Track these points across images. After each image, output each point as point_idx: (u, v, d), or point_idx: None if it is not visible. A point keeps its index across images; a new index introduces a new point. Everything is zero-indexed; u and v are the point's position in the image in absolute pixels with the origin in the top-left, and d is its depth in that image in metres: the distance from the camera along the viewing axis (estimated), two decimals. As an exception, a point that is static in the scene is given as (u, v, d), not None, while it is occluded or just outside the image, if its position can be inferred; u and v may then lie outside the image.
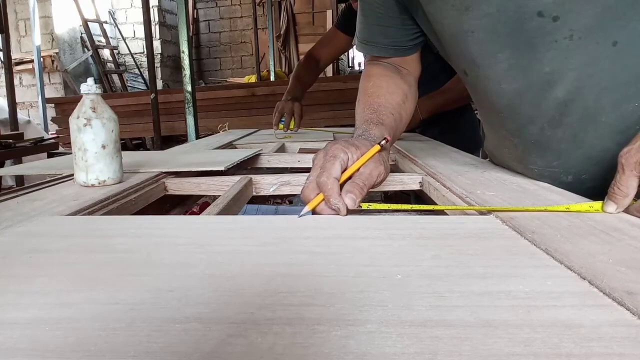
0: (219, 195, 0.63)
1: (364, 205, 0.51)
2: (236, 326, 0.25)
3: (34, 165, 0.91)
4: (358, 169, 0.53)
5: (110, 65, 5.92)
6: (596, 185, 0.59)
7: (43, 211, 0.52)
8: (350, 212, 0.49)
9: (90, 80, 0.63)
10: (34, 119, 4.45)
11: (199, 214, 0.59)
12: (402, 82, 0.75)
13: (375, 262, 0.35)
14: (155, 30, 6.10)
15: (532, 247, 0.38)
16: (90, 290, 0.30)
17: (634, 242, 0.38)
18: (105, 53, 5.91)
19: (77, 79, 5.43)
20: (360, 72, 4.81)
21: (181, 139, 4.19)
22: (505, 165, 0.74)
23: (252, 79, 5.56)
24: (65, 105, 4.12)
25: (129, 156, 0.87)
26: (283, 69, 6.00)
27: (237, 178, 0.71)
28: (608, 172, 0.47)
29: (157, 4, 6.12)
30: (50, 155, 2.65)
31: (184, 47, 2.04)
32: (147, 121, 3.70)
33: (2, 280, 0.32)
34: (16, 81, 4.74)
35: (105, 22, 5.89)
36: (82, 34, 5.63)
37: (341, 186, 0.51)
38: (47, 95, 4.83)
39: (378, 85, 0.73)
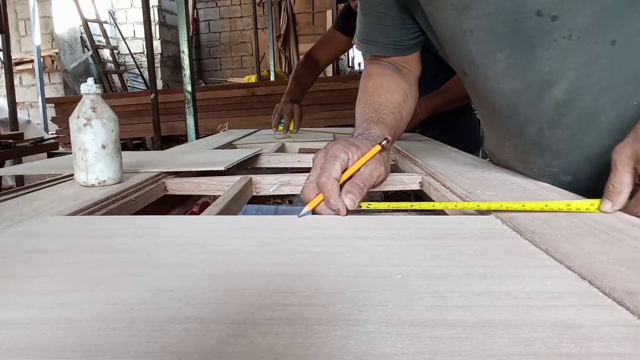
0: (219, 195, 0.63)
1: (364, 205, 0.51)
2: (236, 326, 0.25)
3: (34, 165, 0.91)
4: (358, 169, 0.53)
5: (110, 65, 5.92)
6: (595, 185, 0.59)
7: (43, 211, 0.52)
8: (350, 212, 0.49)
9: (90, 80, 0.63)
10: (34, 119, 4.45)
11: (199, 214, 0.59)
12: (402, 81, 0.76)
13: (375, 262, 0.35)
14: (155, 30, 6.10)
15: (532, 247, 0.38)
16: (90, 290, 0.30)
17: (634, 242, 0.38)
18: (105, 53, 5.91)
19: (77, 79, 5.42)
20: (360, 72, 4.81)
21: (181, 139, 4.19)
22: (506, 165, 0.74)
23: (252, 79, 5.56)
24: (65, 105, 4.12)
25: (129, 156, 0.87)
26: (283, 69, 6.00)
27: (237, 178, 0.71)
28: (607, 171, 0.47)
29: (157, 4, 6.12)
30: (50, 155, 2.65)
31: (184, 47, 2.04)
32: (147, 121, 3.70)
33: (2, 280, 0.32)
34: (16, 81, 4.74)
35: (105, 22, 5.89)
36: (82, 34, 5.63)
37: (341, 186, 0.51)
38: (47, 95, 4.83)
39: (378, 85, 0.73)
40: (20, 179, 2.60)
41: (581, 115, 0.57)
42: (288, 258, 0.36)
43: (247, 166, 1.00)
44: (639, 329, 0.24)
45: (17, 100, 3.06)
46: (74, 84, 5.41)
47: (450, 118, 1.48)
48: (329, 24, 5.62)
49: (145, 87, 5.82)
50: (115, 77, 5.86)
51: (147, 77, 3.86)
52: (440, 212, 0.59)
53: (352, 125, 0.77)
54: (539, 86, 0.58)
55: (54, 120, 4.22)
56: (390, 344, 0.23)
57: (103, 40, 5.79)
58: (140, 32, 5.91)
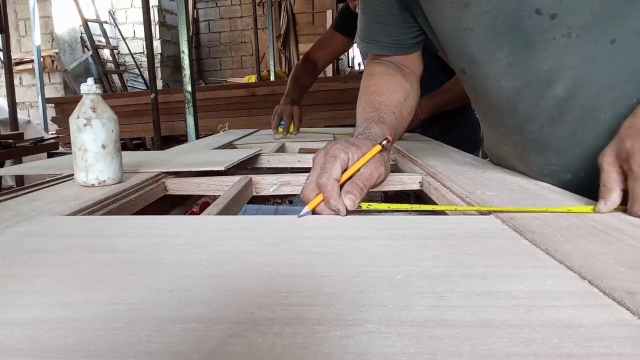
0: (219, 195, 0.63)
1: (364, 205, 0.51)
2: (236, 326, 0.25)
3: (34, 165, 0.91)
4: (358, 169, 0.53)
5: (110, 65, 5.92)
6: (595, 183, 0.59)
7: (43, 211, 0.52)
8: (350, 212, 0.49)
9: (90, 80, 0.63)
10: (34, 119, 4.45)
11: (199, 214, 0.59)
12: (403, 80, 0.75)
13: (375, 262, 0.35)
14: (155, 30, 6.10)
15: (532, 247, 0.38)
16: (90, 290, 0.30)
17: (634, 242, 0.38)
18: (105, 53, 5.91)
19: (77, 79, 5.42)
20: (360, 72, 4.81)
21: (181, 139, 4.19)
22: (505, 163, 0.74)
23: (252, 79, 5.56)
24: (65, 105, 4.12)
25: (129, 156, 0.87)
26: (283, 69, 6.00)
27: (237, 178, 0.71)
28: None
29: (157, 4, 6.12)
30: (50, 155, 2.65)
31: (184, 47, 2.04)
32: (147, 121, 3.70)
33: (2, 280, 0.32)
34: (16, 81, 4.74)
35: (105, 22, 5.89)
36: (82, 34, 5.63)
37: (341, 186, 0.51)
38: (47, 95, 4.83)
39: (379, 84, 0.73)
40: (20, 179, 2.60)
41: (581, 113, 0.57)
42: (288, 258, 0.36)
43: (247, 166, 1.00)
44: (639, 329, 0.24)
45: (17, 100, 3.06)
46: (74, 84, 5.41)
47: (450, 118, 1.48)
48: (329, 23, 5.61)
49: (145, 87, 5.82)
50: (115, 77, 5.87)
51: (147, 77, 3.86)
52: (440, 212, 0.59)
53: (352, 125, 0.77)
54: (539, 84, 0.58)
55: (54, 120, 4.22)
56: (390, 344, 0.23)
57: (103, 40, 5.79)
58: (140, 32, 5.91)
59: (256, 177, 0.74)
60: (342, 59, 6.16)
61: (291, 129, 1.45)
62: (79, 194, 0.60)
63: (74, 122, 0.62)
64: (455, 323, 0.25)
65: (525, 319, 0.26)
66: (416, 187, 0.74)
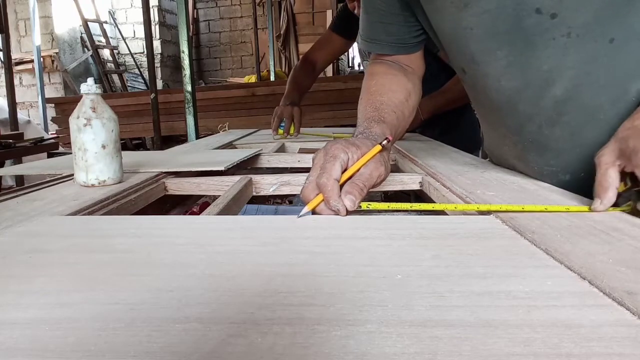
0: (219, 195, 0.63)
1: (364, 205, 0.51)
2: (236, 326, 0.25)
3: (34, 165, 0.91)
4: (358, 169, 0.53)
5: (110, 65, 5.92)
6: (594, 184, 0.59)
7: (43, 211, 0.52)
8: (350, 212, 0.49)
9: (90, 80, 0.63)
10: (34, 119, 4.45)
11: (199, 214, 0.59)
12: (405, 80, 0.75)
13: (375, 262, 0.35)
14: (155, 30, 6.10)
15: (532, 247, 0.38)
16: (90, 290, 0.30)
17: (634, 242, 0.38)
18: (105, 53, 5.91)
19: (77, 79, 5.42)
20: (360, 72, 4.81)
21: (181, 139, 4.19)
22: (505, 164, 0.74)
23: (252, 79, 5.56)
24: (65, 105, 4.12)
25: (129, 156, 0.87)
26: (283, 69, 6.00)
27: (237, 178, 0.71)
28: None
29: (157, 4, 6.12)
30: (50, 155, 2.65)
31: (184, 47, 2.04)
32: (147, 121, 3.69)
33: (2, 280, 0.32)
34: (16, 81, 4.74)
35: (105, 22, 5.89)
36: (82, 34, 5.62)
37: (341, 186, 0.51)
38: (47, 95, 4.83)
39: (381, 84, 0.73)
40: (20, 179, 2.60)
41: (580, 113, 0.57)
42: (288, 258, 0.36)
43: (247, 166, 1.00)
44: (639, 329, 0.24)
45: (17, 100, 3.06)
46: (74, 84, 5.41)
47: (450, 118, 1.48)
48: (329, 23, 5.61)
49: (145, 87, 5.81)
50: (115, 77, 5.86)
51: (147, 77, 3.86)
52: (440, 212, 0.59)
53: (352, 125, 0.77)
54: (539, 84, 0.58)
55: (54, 120, 4.22)
56: (390, 344, 0.23)
57: (103, 40, 5.79)
58: (140, 32, 5.91)
59: (256, 177, 0.74)
60: (342, 59, 6.15)
61: (291, 131, 1.45)
62: (79, 194, 0.60)
63: (74, 122, 0.62)
64: (455, 323, 0.25)
65: (525, 319, 0.26)
66: (416, 187, 0.74)
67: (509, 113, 0.63)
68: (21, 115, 3.42)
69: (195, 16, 6.86)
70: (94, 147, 0.62)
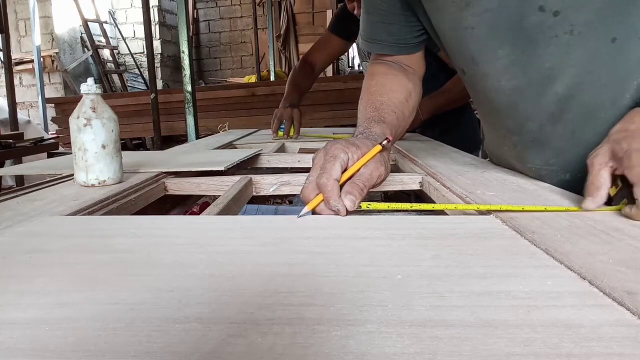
0: (219, 195, 0.63)
1: (364, 205, 0.51)
2: (236, 326, 0.25)
3: (34, 165, 0.91)
4: (358, 169, 0.53)
5: (110, 65, 5.92)
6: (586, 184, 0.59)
7: (43, 211, 0.52)
8: (350, 212, 0.49)
9: (90, 80, 0.63)
10: (34, 119, 4.45)
11: (199, 214, 0.59)
12: (405, 80, 0.75)
13: (375, 262, 0.35)
14: (155, 30, 6.10)
15: (532, 247, 0.38)
16: (90, 290, 0.30)
17: (634, 242, 0.38)
18: (105, 53, 5.91)
19: (77, 79, 5.42)
20: (360, 72, 4.81)
21: (181, 139, 4.18)
22: (505, 163, 0.74)
23: (252, 79, 5.56)
24: (65, 105, 4.12)
25: (129, 156, 0.87)
26: (283, 69, 6.00)
27: (237, 178, 0.71)
28: None
29: (157, 4, 6.12)
30: (50, 155, 2.65)
31: (184, 47, 2.04)
32: (147, 121, 3.69)
33: (2, 280, 0.32)
34: (16, 81, 4.74)
35: (105, 22, 5.89)
36: (82, 34, 5.62)
37: (341, 186, 0.51)
38: (47, 95, 4.83)
39: (381, 84, 0.73)
40: (20, 179, 2.60)
41: (581, 111, 0.57)
42: (288, 258, 0.36)
43: (247, 166, 1.00)
44: (639, 329, 0.24)
45: (17, 100, 3.06)
46: (74, 84, 5.41)
47: (450, 118, 1.48)
48: (328, 24, 5.61)
49: (145, 87, 5.81)
50: (115, 77, 5.86)
51: (147, 77, 3.85)
52: (440, 212, 0.59)
53: (353, 126, 0.77)
54: (540, 82, 0.58)
55: (54, 120, 4.22)
56: (390, 344, 0.23)
57: (103, 40, 5.79)
58: (140, 32, 5.91)
59: (256, 177, 0.74)
60: (342, 59, 6.15)
61: (291, 133, 1.45)
62: (79, 194, 0.60)
63: (74, 122, 0.62)
64: (455, 323, 0.25)
65: (525, 319, 0.26)
66: (416, 187, 0.74)
67: (509, 113, 0.63)
68: (21, 115, 3.42)
69: (195, 16, 6.86)
70: (94, 147, 0.62)
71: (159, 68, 6.06)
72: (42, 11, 5.28)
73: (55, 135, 3.85)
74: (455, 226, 0.44)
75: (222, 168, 0.76)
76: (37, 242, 0.40)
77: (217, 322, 0.25)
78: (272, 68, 5.16)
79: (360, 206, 0.50)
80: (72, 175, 0.68)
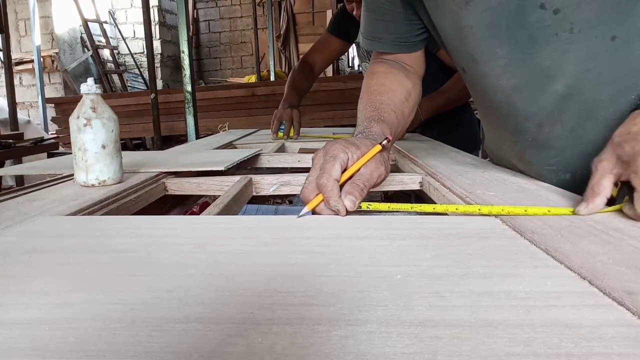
0: (219, 195, 0.63)
1: (364, 206, 0.51)
2: (236, 326, 0.25)
3: (34, 165, 0.91)
4: (358, 169, 0.53)
5: (110, 65, 5.92)
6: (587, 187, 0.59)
7: (43, 211, 0.52)
8: (350, 212, 0.49)
9: (90, 80, 0.63)
10: (34, 119, 4.45)
11: (199, 214, 0.59)
12: (405, 79, 0.75)
13: (375, 262, 0.35)
14: (155, 30, 6.10)
15: (532, 247, 0.38)
16: (90, 290, 0.30)
17: (634, 242, 0.38)
18: (105, 53, 5.91)
19: (77, 79, 5.42)
20: (360, 72, 4.80)
21: (181, 139, 4.18)
22: (505, 163, 0.74)
23: (252, 79, 5.56)
24: (65, 105, 4.12)
25: (129, 156, 0.87)
26: (283, 69, 6.00)
27: (237, 178, 0.71)
28: None
29: (157, 4, 6.12)
30: (50, 155, 2.65)
31: (184, 47, 2.04)
32: (147, 121, 3.69)
33: (2, 280, 0.32)
34: (16, 81, 4.74)
35: (105, 22, 5.89)
36: (82, 34, 5.62)
37: (341, 186, 0.51)
38: (47, 95, 4.83)
39: (381, 83, 0.73)
40: (20, 179, 2.60)
41: (580, 110, 0.57)
42: (288, 258, 0.36)
43: (247, 166, 1.00)
44: (639, 329, 0.24)
45: (17, 100, 3.06)
46: (74, 84, 5.41)
47: (450, 118, 1.48)
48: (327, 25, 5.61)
49: (145, 87, 5.81)
50: (115, 77, 5.86)
51: (147, 77, 3.85)
52: (440, 212, 0.59)
53: (352, 126, 0.77)
54: (539, 81, 0.58)
55: (54, 120, 4.22)
56: (390, 344, 0.23)
57: (103, 40, 5.79)
58: (140, 32, 5.91)
59: (256, 177, 0.74)
60: (342, 59, 6.15)
61: (291, 134, 1.45)
62: (79, 194, 0.60)
63: (74, 122, 0.62)
64: (455, 323, 0.25)
65: (525, 319, 0.26)
66: (416, 187, 0.74)
67: (509, 112, 0.63)
68: (21, 115, 3.42)
69: (195, 16, 6.86)
70: (94, 147, 0.62)
71: (159, 68, 6.06)
72: (42, 11, 5.28)
73: (55, 135, 3.85)
74: (455, 226, 0.44)
75: (222, 168, 0.76)
76: (37, 242, 0.40)
77: (217, 322, 0.25)
78: (272, 68, 5.16)
79: (360, 206, 0.50)
80: (72, 175, 0.68)
